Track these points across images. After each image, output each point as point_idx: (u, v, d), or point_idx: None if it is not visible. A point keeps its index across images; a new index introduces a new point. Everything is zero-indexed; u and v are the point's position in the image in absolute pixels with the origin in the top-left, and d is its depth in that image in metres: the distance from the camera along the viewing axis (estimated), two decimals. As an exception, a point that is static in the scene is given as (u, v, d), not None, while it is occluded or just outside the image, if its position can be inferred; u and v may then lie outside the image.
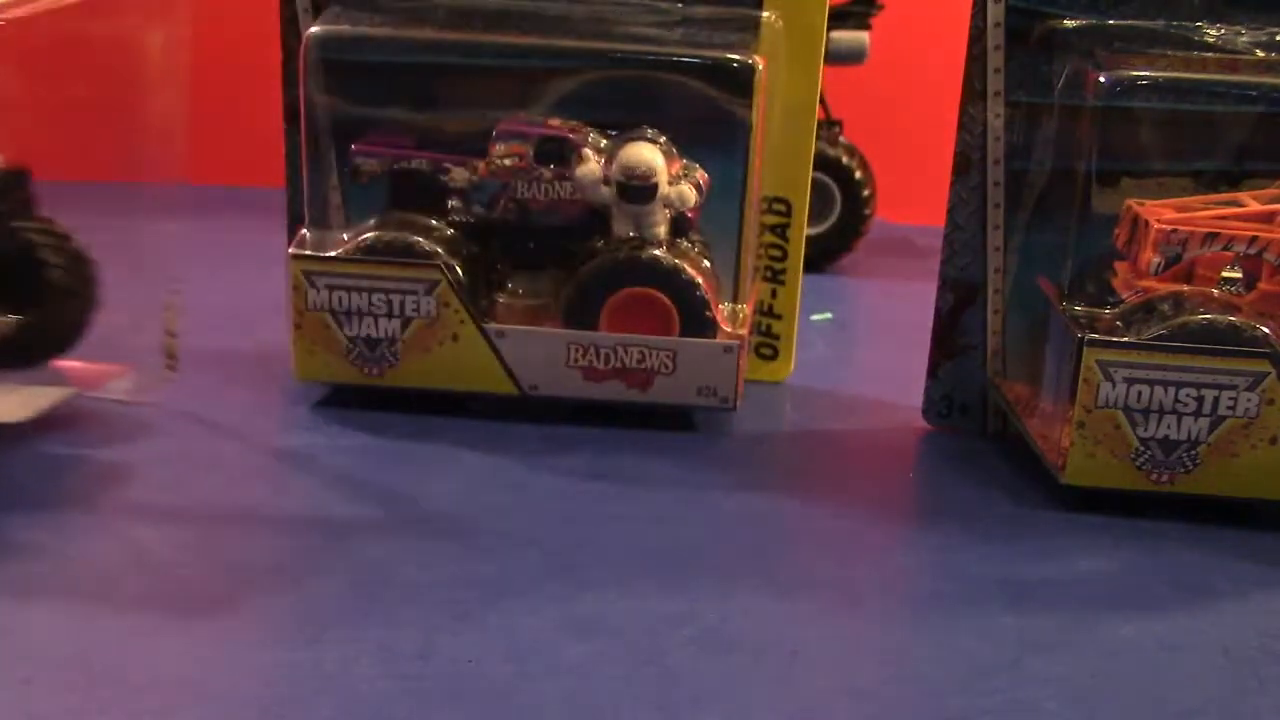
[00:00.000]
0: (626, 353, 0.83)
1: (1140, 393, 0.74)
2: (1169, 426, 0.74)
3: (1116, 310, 0.77)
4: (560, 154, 0.85)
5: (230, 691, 0.55)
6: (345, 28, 0.85)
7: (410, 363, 0.84)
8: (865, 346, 1.09)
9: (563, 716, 0.54)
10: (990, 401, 0.87)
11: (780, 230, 0.94)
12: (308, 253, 0.84)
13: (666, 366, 0.83)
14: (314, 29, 0.85)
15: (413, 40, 0.86)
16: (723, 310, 0.86)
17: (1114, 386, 0.74)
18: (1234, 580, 0.70)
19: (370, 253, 0.83)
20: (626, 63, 0.85)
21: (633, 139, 0.84)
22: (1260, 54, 0.80)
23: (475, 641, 0.59)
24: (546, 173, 0.85)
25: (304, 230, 0.87)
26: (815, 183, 1.15)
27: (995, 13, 0.81)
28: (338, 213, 0.88)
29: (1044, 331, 0.82)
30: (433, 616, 0.61)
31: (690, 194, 0.84)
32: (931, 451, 0.85)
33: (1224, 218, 0.76)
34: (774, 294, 0.95)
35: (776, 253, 0.95)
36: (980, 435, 0.87)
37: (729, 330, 0.85)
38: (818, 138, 1.00)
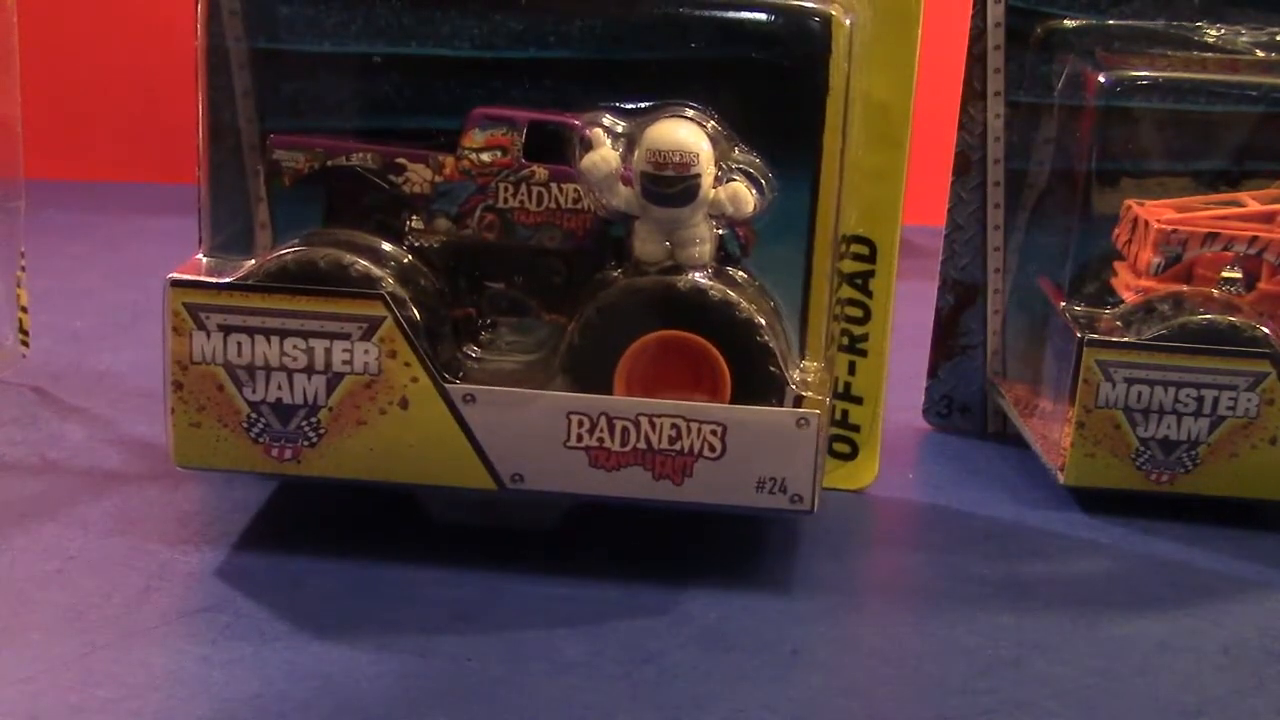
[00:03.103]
0: (653, 426, 0.61)
1: (1140, 393, 0.73)
2: (1169, 426, 0.74)
3: (1116, 310, 0.77)
4: (560, 147, 0.63)
5: (230, 691, 0.54)
6: None
7: (339, 441, 0.62)
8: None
9: (563, 716, 0.54)
10: (990, 401, 0.87)
11: (861, 281, 0.72)
12: (192, 278, 0.62)
13: (713, 448, 0.61)
14: None
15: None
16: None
17: (1114, 386, 0.73)
18: (1234, 580, 0.70)
19: (282, 278, 0.61)
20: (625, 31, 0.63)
21: (665, 116, 0.62)
22: (1260, 54, 0.80)
23: (475, 641, 0.59)
24: (540, 172, 0.63)
25: (199, 255, 0.66)
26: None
27: (995, 13, 0.81)
28: (265, 235, 0.66)
29: (1044, 331, 0.82)
30: (433, 616, 0.61)
31: (747, 195, 0.62)
32: (931, 451, 0.85)
33: (1224, 218, 0.76)
34: (852, 369, 0.73)
35: (856, 312, 0.72)
36: (980, 435, 0.87)
37: (805, 394, 0.62)
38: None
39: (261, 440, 0.62)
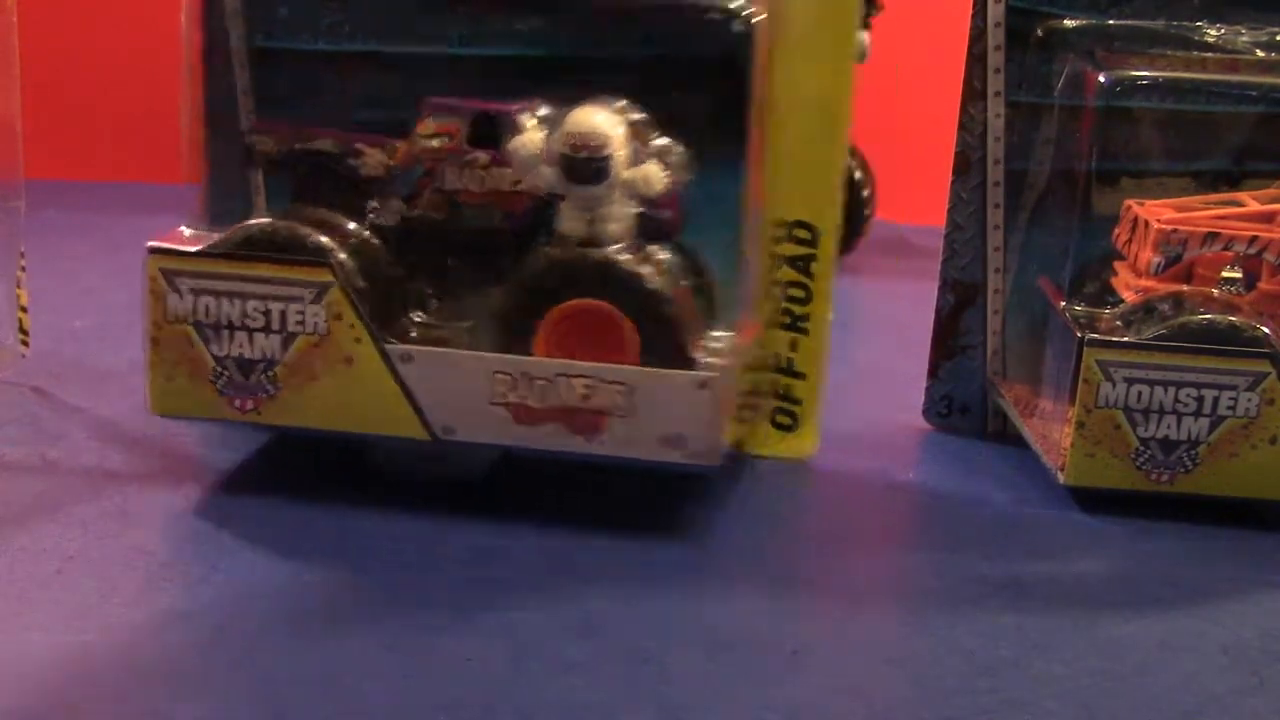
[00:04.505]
0: (568, 385, 0.66)
1: (1140, 393, 0.74)
2: (1169, 426, 0.74)
3: (1116, 310, 0.77)
4: (500, 134, 0.69)
5: (230, 690, 0.54)
6: None
7: (293, 394, 0.68)
8: (865, 346, 1.09)
9: (563, 716, 0.54)
10: (990, 401, 0.87)
11: (803, 264, 0.76)
12: (168, 246, 0.69)
13: (621, 406, 0.66)
14: None
15: None
16: (706, 339, 0.70)
17: (1114, 386, 0.73)
18: (1234, 580, 0.70)
19: (246, 246, 0.68)
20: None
21: (585, 104, 0.68)
22: (1260, 54, 0.80)
23: (475, 641, 0.59)
24: (482, 157, 0.69)
25: (183, 228, 0.73)
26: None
27: (995, 13, 0.81)
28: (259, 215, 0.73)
29: (1044, 331, 0.82)
30: (433, 616, 0.61)
31: (657, 174, 0.67)
32: (931, 451, 0.85)
33: (1224, 218, 0.76)
34: (794, 346, 0.77)
35: (798, 293, 0.76)
36: (980, 435, 0.87)
37: (708, 359, 0.67)
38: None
39: (226, 392, 0.69)
